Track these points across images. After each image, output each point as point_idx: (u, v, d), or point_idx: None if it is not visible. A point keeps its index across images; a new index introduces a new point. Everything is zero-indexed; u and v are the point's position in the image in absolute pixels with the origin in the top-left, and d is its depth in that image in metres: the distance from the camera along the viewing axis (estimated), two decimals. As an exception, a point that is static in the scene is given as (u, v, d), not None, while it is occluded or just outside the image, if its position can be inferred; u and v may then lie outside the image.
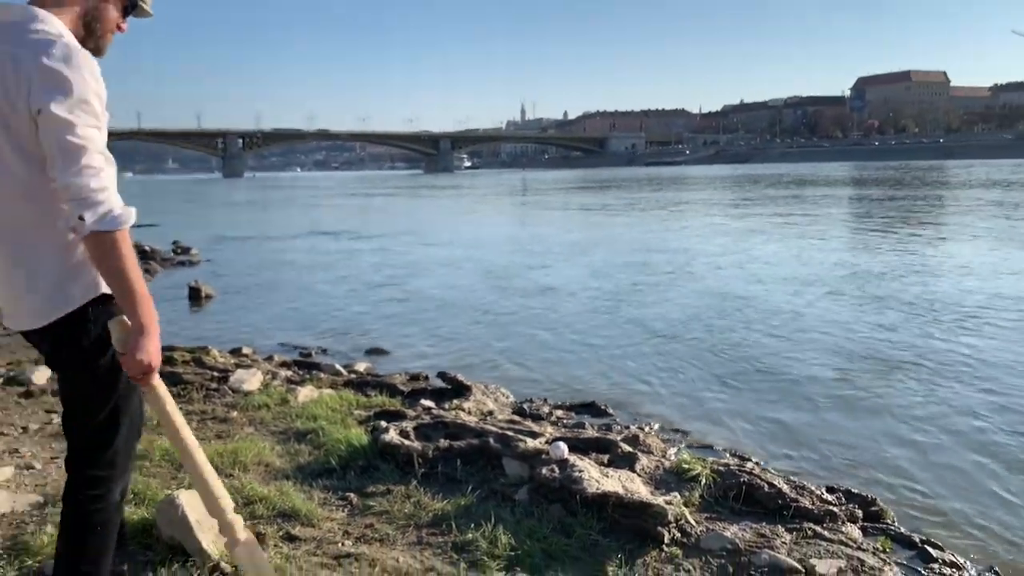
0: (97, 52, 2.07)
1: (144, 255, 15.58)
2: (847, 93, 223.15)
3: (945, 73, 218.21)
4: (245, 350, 7.09)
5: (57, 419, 4.63)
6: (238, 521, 2.33)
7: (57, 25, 1.96)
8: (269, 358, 6.78)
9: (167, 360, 5.96)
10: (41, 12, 1.96)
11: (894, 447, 4.77)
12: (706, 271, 12.47)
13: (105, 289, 2.01)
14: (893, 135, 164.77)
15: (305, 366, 6.44)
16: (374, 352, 7.45)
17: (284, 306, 10.54)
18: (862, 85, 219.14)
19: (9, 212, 1.98)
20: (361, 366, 6.55)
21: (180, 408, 4.67)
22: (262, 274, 14.04)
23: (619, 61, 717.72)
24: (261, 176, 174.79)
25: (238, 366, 6.02)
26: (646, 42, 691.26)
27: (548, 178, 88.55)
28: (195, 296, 10.92)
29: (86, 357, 2.06)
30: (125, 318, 1.97)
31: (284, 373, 5.95)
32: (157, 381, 2.10)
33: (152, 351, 1.97)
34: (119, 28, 2.16)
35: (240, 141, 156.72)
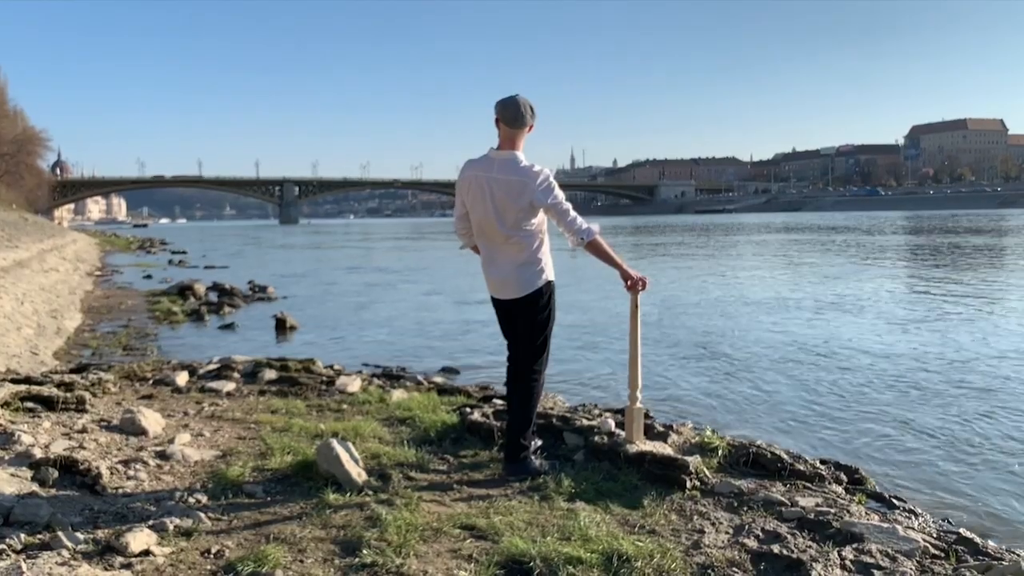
0: None
1: (226, 292, 17.08)
2: (901, 141, 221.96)
3: (1002, 121, 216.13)
4: (336, 366, 8.25)
5: (207, 407, 5.84)
6: (636, 397, 4.44)
7: (523, 157, 4.11)
8: (359, 372, 7.93)
9: (283, 367, 7.16)
10: (518, 153, 4.11)
11: (892, 438, 5.72)
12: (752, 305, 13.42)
13: (550, 278, 4.19)
14: (948, 184, 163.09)
15: (391, 377, 7.58)
16: (446, 370, 8.59)
17: (360, 333, 11.78)
18: (916, 133, 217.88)
19: (506, 242, 4.12)
20: (438, 379, 7.66)
21: (300, 401, 5.86)
22: (335, 307, 15.38)
23: (669, 109, 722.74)
24: (316, 223, 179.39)
25: (339, 374, 7.19)
26: (696, 90, 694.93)
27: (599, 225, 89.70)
28: (281, 326, 12.19)
29: (537, 313, 4.19)
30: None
31: (377, 381, 7.09)
32: (637, 290, 4.28)
33: (635, 276, 4.23)
34: None
35: (296, 189, 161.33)
